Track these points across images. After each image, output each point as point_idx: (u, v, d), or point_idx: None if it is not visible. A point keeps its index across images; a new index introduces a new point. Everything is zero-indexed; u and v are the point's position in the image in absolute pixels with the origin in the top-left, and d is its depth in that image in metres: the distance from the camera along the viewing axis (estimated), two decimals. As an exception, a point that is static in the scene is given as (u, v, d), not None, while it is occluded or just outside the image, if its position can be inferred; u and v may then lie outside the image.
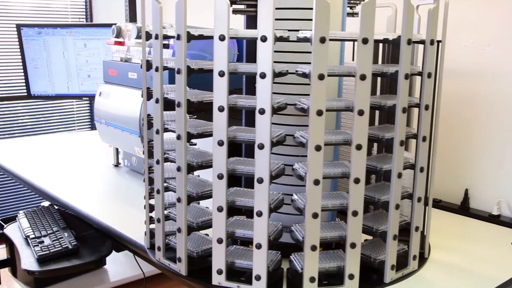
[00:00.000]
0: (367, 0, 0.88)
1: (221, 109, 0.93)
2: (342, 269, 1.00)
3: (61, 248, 1.38)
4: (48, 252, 1.35)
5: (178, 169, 1.01)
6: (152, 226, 1.18)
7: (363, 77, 0.91)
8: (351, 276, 0.99)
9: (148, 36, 1.08)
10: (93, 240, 1.46)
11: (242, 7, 1.14)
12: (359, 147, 0.94)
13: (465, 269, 1.12)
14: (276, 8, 1.03)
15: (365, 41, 0.90)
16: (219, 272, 0.99)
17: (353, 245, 0.97)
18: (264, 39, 0.89)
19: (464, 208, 1.50)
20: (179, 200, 1.02)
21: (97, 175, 1.83)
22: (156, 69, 1.02)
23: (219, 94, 0.93)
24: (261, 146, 0.92)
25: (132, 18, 2.66)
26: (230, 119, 0.95)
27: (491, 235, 1.33)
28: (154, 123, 1.06)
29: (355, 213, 0.96)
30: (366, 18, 0.89)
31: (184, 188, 1.01)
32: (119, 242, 1.36)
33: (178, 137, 1.00)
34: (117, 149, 1.93)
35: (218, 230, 0.98)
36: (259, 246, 0.96)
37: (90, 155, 2.12)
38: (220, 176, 0.96)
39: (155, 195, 1.08)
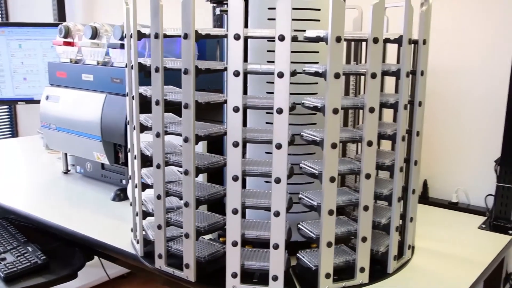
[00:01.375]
0: (377, 1, 0.91)
1: (236, 109, 0.92)
2: (351, 263, 1.02)
3: (29, 264, 1.28)
4: (15, 269, 1.25)
5: (186, 172, 0.98)
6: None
7: (374, 75, 0.94)
8: (362, 269, 1.02)
9: (141, 35, 1.04)
10: (62, 252, 1.37)
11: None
12: (370, 143, 0.96)
13: (451, 254, 1.19)
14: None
15: (375, 40, 0.93)
16: (234, 275, 0.98)
17: (364, 239, 1.00)
18: (281, 38, 0.89)
19: (424, 197, 1.59)
20: (186, 204, 0.99)
21: (49, 183, 1.71)
22: (156, 70, 0.98)
23: (234, 95, 0.91)
24: (278, 146, 0.92)
25: (61, 17, 2.52)
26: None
27: (456, 221, 1.42)
28: (153, 126, 1.01)
29: (366, 208, 0.99)
30: (377, 18, 0.92)
31: (193, 192, 0.98)
32: (96, 252, 1.29)
33: (186, 140, 0.97)
34: (66, 155, 1.82)
35: (233, 233, 0.96)
36: (276, 246, 0.95)
37: (31, 163, 1.98)
38: (235, 178, 0.94)
39: (154, 200, 1.04)
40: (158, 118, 1.00)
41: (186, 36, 0.93)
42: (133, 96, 1.07)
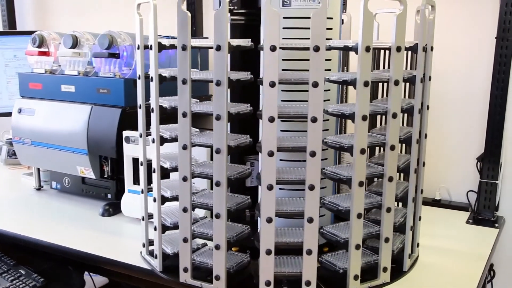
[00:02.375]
0: (401, 12, 0.96)
1: (271, 119, 0.93)
2: (372, 264, 1.06)
3: (27, 288, 1.22)
4: (13, 294, 1.19)
5: (218, 184, 0.97)
6: (152, 247, 1.13)
7: (397, 83, 0.99)
8: (385, 269, 1.06)
9: (161, 46, 1.02)
10: (57, 273, 1.32)
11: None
12: (393, 147, 1.01)
13: (451, 249, 1.26)
14: (298, 17, 1.06)
15: (398, 49, 0.97)
16: (267, 283, 0.98)
17: (387, 240, 1.04)
18: (316, 49, 0.91)
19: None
20: (218, 216, 0.98)
21: (23, 201, 1.63)
22: (184, 82, 0.97)
23: (270, 105, 0.93)
24: (312, 154, 0.94)
25: (11, 24, 2.39)
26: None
27: (443, 217, 1.51)
28: (180, 139, 1.00)
29: (389, 210, 1.03)
30: (400, 28, 0.97)
31: (225, 204, 0.98)
32: (98, 269, 1.25)
33: (218, 151, 0.96)
34: (38, 171, 1.74)
35: (267, 241, 0.97)
36: (309, 252, 0.97)
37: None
38: (269, 187, 0.95)
39: (180, 213, 1.03)
40: (185, 130, 0.99)
41: (219, 48, 0.93)
42: (152, 109, 1.05)
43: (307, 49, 0.92)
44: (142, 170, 1.14)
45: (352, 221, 0.99)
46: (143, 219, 1.16)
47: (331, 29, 1.11)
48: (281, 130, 1.12)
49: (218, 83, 0.94)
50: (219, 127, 0.95)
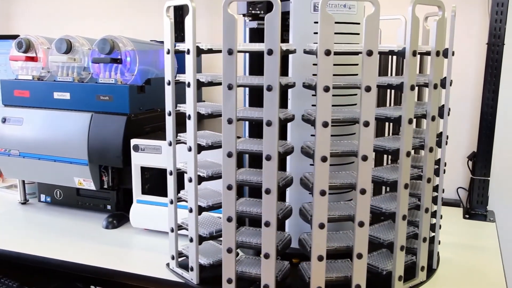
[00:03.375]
0: (440, 17, 0.98)
1: (325, 124, 0.92)
2: (410, 264, 1.08)
3: (42, 311, 1.14)
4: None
5: (268, 191, 0.95)
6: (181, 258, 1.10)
7: (435, 86, 1.01)
8: (423, 268, 1.08)
9: (199, 51, 0.99)
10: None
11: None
12: (431, 149, 1.03)
13: (463, 244, 1.31)
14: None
15: (438, 53, 1.00)
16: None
17: (425, 239, 1.07)
18: (369, 53, 0.91)
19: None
20: (267, 224, 0.96)
21: (10, 216, 1.52)
22: (230, 87, 0.94)
23: (325, 110, 0.92)
24: (364, 158, 0.95)
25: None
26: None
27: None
28: (224, 146, 0.97)
29: (427, 210, 1.06)
30: (440, 33, 0.99)
31: (275, 211, 0.96)
32: (119, 284, 1.19)
33: (268, 158, 0.94)
34: (24, 184, 1.63)
35: (320, 247, 0.96)
36: (360, 256, 0.98)
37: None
38: (322, 193, 0.94)
39: (223, 223, 0.99)
40: (230, 137, 0.96)
41: (270, 52, 0.91)
42: (189, 115, 1.01)
43: (355, 53, 0.92)
44: (171, 179, 1.09)
45: (398, 223, 1.00)
46: (172, 231, 1.11)
47: (358, 34, 1.11)
48: (311, 135, 1.12)
49: (269, 88, 0.92)
50: (270, 133, 0.93)
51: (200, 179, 1.04)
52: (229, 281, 1.01)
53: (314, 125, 0.94)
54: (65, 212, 1.54)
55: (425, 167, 1.04)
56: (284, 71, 1.07)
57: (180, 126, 1.07)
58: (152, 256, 1.23)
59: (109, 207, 1.51)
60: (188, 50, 0.99)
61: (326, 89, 0.91)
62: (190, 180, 1.04)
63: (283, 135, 1.11)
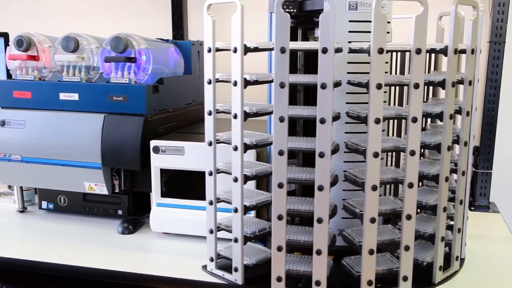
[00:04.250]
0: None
1: (377, 121, 0.94)
2: (445, 255, 1.12)
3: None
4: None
5: (320, 188, 0.96)
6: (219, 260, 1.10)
7: (470, 83, 1.05)
8: (457, 258, 1.12)
9: (247, 49, 0.99)
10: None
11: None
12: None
13: (480, 235, 1.36)
14: (364, 21, 1.09)
15: (473, 51, 1.04)
16: (369, 283, 1.00)
17: (459, 230, 1.11)
18: (418, 51, 0.94)
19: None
20: (320, 220, 0.97)
21: (13, 225, 1.46)
22: (282, 86, 0.95)
23: (377, 107, 0.94)
24: (412, 153, 0.97)
25: None
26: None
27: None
28: (275, 144, 0.97)
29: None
30: (474, 32, 1.03)
31: (328, 208, 0.97)
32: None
33: (322, 155, 0.95)
34: (22, 191, 1.56)
35: (371, 242, 0.98)
36: (407, 248, 1.00)
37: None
38: (374, 188, 0.96)
39: (274, 221, 0.99)
40: (282, 136, 0.96)
41: (325, 51, 0.92)
42: (235, 115, 1.00)
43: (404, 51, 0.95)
44: (210, 180, 1.08)
45: (440, 215, 1.04)
46: (211, 232, 1.10)
47: (388, 32, 1.14)
48: (345, 132, 1.14)
49: (323, 86, 0.93)
50: (324, 131, 0.94)
51: (246, 179, 1.03)
52: (279, 279, 1.02)
53: (366, 122, 0.95)
54: (72, 218, 1.49)
55: (460, 160, 1.08)
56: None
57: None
58: (181, 259, 1.21)
59: (120, 212, 1.47)
60: (235, 48, 0.98)
61: (379, 86, 0.93)
62: (236, 180, 1.03)
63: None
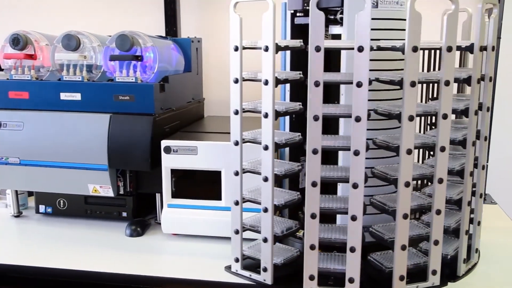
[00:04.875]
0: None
1: (411, 118, 0.95)
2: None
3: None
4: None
5: (355, 186, 0.96)
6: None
7: (491, 79, 1.08)
8: (477, 250, 1.15)
9: (279, 48, 0.98)
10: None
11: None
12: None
13: (488, 225, 1.40)
14: (384, 19, 1.09)
15: (494, 48, 1.07)
16: (401, 278, 1.01)
17: (479, 223, 1.14)
18: (449, 49, 0.96)
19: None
20: (354, 218, 0.97)
21: (12, 230, 1.40)
22: (317, 84, 0.94)
23: (411, 104, 0.95)
24: (442, 149, 0.99)
25: None
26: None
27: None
28: (309, 143, 0.97)
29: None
30: (495, 29, 1.06)
31: (362, 206, 0.97)
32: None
33: (357, 153, 0.95)
34: (17, 195, 1.49)
35: (403, 237, 0.99)
36: (436, 243, 1.02)
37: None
38: (407, 184, 0.98)
39: (306, 220, 0.99)
40: (316, 134, 0.96)
41: (361, 49, 0.92)
42: (266, 114, 0.99)
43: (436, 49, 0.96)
44: (236, 180, 1.07)
45: (464, 209, 1.06)
46: (237, 233, 1.09)
47: (399, 30, 1.15)
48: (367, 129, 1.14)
49: (359, 84, 0.93)
50: (359, 129, 0.95)
51: (277, 178, 1.02)
52: (311, 277, 1.01)
53: (399, 119, 0.96)
54: (73, 222, 1.44)
55: (481, 155, 1.10)
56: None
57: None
58: (200, 260, 1.19)
59: (124, 214, 1.43)
60: (267, 47, 0.97)
61: (413, 84, 0.95)
62: (266, 179, 1.02)
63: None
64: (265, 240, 1.04)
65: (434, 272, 1.04)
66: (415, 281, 1.03)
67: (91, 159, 1.33)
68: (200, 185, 1.31)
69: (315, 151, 0.97)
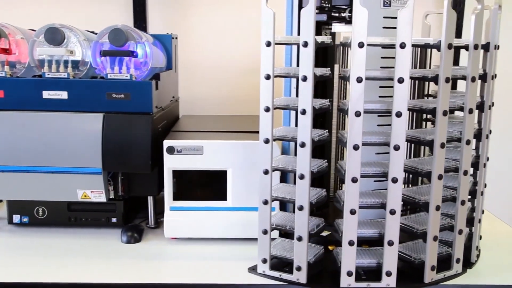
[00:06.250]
0: (499, 14, 1.12)
1: (444, 113, 0.99)
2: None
3: None
4: None
5: (394, 180, 0.98)
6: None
7: (493, 77, 1.15)
8: (477, 248, 1.22)
9: (317, 44, 0.97)
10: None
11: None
12: (487, 136, 1.15)
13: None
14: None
15: (496, 47, 1.14)
16: (432, 268, 1.04)
17: (480, 221, 1.20)
18: (476, 47, 1.01)
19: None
20: (393, 212, 0.99)
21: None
22: (359, 80, 0.95)
23: (445, 100, 0.99)
24: (468, 142, 1.04)
25: None
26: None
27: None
28: (350, 139, 0.97)
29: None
30: (498, 28, 1.13)
31: (400, 199, 0.99)
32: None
33: (397, 148, 0.97)
34: (-15, 205, 1.34)
35: (434, 229, 1.03)
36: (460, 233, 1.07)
37: None
38: (439, 177, 1.01)
39: (345, 216, 0.99)
40: (357, 130, 0.96)
41: (403, 46, 0.94)
42: (303, 110, 0.98)
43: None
44: (266, 179, 1.04)
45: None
46: (265, 233, 1.06)
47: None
48: (378, 125, 1.17)
49: (400, 80, 0.95)
50: (399, 124, 0.96)
51: (312, 175, 1.01)
52: (349, 273, 1.02)
53: (433, 114, 0.99)
54: (56, 231, 1.32)
55: (483, 152, 1.17)
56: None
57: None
58: (216, 264, 1.14)
59: (114, 220, 1.33)
60: (306, 42, 0.96)
61: (447, 80, 0.98)
62: (302, 177, 1.00)
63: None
64: (299, 238, 1.03)
65: (458, 261, 1.08)
66: (440, 270, 1.07)
67: (82, 162, 1.22)
68: (203, 185, 1.26)
69: (356, 147, 0.97)
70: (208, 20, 1.82)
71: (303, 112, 0.98)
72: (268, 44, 0.99)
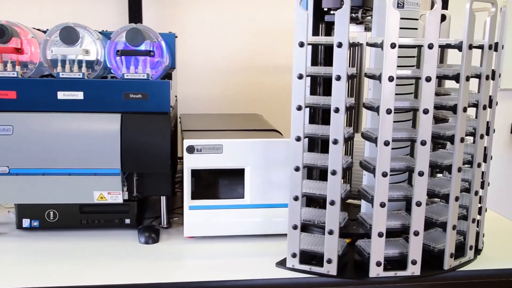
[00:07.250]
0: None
1: (465, 110, 1.06)
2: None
3: None
4: None
5: (421, 173, 1.04)
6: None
7: (498, 76, 1.23)
8: (484, 235, 1.30)
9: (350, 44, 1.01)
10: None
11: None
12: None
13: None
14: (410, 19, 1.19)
15: (502, 46, 1.22)
16: (451, 255, 1.11)
17: (486, 210, 1.29)
18: (490, 47, 1.08)
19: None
20: (418, 204, 1.05)
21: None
22: (391, 79, 1.00)
23: (465, 97, 1.05)
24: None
25: None
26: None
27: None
28: (381, 136, 1.02)
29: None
30: (492, 26, 1.21)
31: (425, 192, 1.05)
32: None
33: (424, 143, 1.03)
34: (-8, 209, 1.30)
35: (453, 219, 1.10)
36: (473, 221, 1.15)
37: None
38: (459, 170, 1.08)
39: (375, 208, 1.04)
40: (388, 127, 1.02)
41: (431, 46, 1.00)
42: (337, 109, 1.02)
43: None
44: (297, 176, 1.07)
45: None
46: (295, 228, 1.09)
47: (416, 29, 1.26)
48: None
49: (428, 79, 1.01)
50: (426, 121, 1.02)
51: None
52: (378, 264, 1.07)
53: (454, 110, 1.06)
54: (69, 235, 1.29)
55: (490, 148, 1.25)
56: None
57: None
58: (242, 260, 1.17)
59: (127, 221, 1.33)
60: (340, 43, 1.00)
61: (468, 78, 1.05)
62: (334, 173, 1.04)
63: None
64: (330, 232, 1.07)
65: (471, 248, 1.16)
66: (456, 257, 1.14)
67: (99, 163, 1.22)
68: (220, 184, 1.28)
69: (386, 143, 1.02)
70: (201, 19, 1.83)
71: (336, 110, 1.02)
72: (301, 44, 1.03)
